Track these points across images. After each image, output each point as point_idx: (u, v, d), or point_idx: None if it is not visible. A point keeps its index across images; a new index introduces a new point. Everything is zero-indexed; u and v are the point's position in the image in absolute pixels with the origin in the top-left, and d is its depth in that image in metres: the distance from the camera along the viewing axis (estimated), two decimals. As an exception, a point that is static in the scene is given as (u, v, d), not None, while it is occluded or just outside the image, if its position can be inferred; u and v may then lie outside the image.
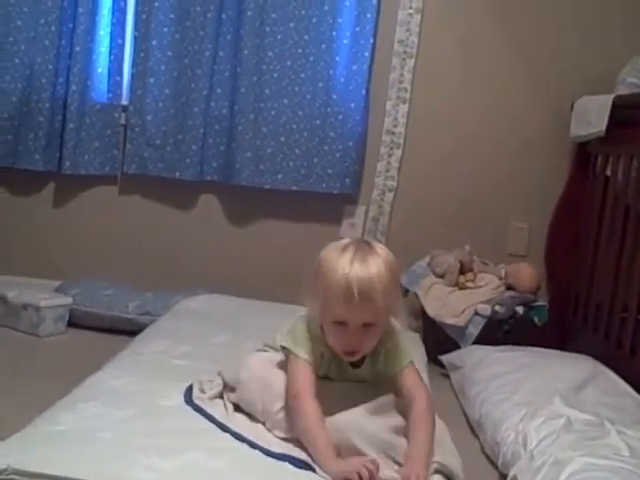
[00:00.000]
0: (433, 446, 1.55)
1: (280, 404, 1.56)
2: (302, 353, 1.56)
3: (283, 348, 1.62)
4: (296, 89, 3.24)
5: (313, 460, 1.45)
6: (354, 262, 1.49)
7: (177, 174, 3.28)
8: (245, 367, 1.67)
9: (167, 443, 1.45)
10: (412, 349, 1.71)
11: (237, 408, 1.66)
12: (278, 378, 1.60)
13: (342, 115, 3.25)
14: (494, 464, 2.09)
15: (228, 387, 1.71)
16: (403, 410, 1.60)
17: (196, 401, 1.64)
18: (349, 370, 1.61)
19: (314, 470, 1.42)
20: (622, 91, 2.98)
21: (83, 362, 2.03)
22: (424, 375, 2.15)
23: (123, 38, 3.26)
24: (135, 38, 3.24)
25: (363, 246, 1.55)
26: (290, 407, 1.53)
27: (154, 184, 3.35)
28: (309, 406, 1.50)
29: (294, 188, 3.27)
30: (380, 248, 1.56)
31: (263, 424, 1.59)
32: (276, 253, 3.33)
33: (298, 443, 1.51)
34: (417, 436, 1.54)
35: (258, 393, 1.60)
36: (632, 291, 2.65)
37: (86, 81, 3.23)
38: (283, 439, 1.53)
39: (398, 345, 1.65)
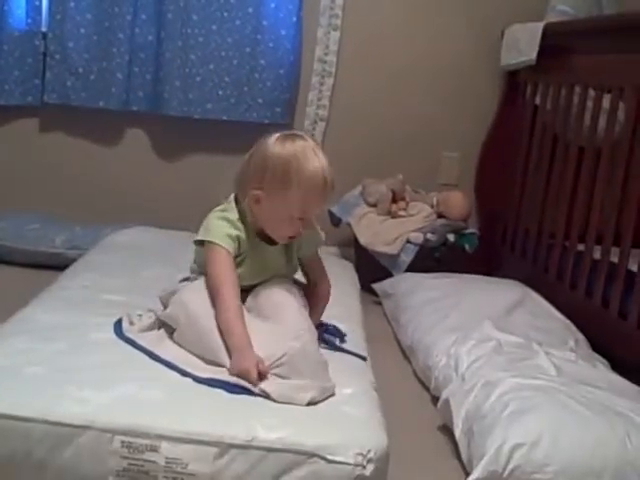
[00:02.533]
0: None
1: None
2: (217, 239, 1.59)
3: (198, 243, 1.65)
4: (225, 14, 3.15)
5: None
6: (317, 156, 1.60)
7: (101, 103, 3.17)
8: (182, 309, 1.63)
9: (99, 375, 1.42)
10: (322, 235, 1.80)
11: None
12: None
13: (273, 43, 3.18)
14: (426, 388, 2.14)
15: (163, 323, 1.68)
16: (306, 290, 1.76)
17: (126, 334, 1.62)
18: (265, 248, 1.68)
19: (246, 393, 1.43)
20: (552, 19, 3.00)
21: (10, 299, 1.97)
22: (357, 302, 2.18)
23: (41, -41, 3.10)
24: (53, -41, 3.08)
25: (300, 137, 1.64)
26: (212, 298, 1.57)
27: (78, 114, 3.24)
28: (230, 298, 1.55)
29: (224, 118, 3.21)
30: (303, 134, 1.67)
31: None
32: (205, 185, 3.27)
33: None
34: (313, 314, 1.70)
35: (197, 344, 1.57)
36: (559, 218, 2.71)
37: (3, 6, 3.07)
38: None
39: (314, 227, 1.75)
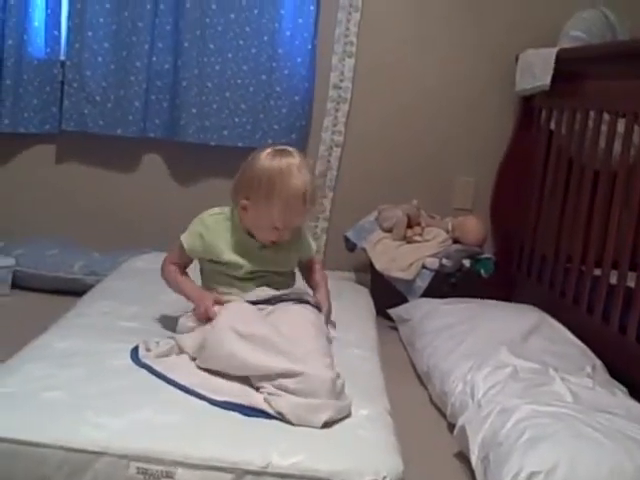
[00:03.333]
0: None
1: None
2: (185, 243, 1.86)
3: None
4: (241, 43, 3.18)
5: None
6: (300, 173, 1.75)
7: (118, 131, 3.20)
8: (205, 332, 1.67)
9: (116, 401, 1.44)
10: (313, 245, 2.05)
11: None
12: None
13: (288, 70, 3.20)
14: (443, 414, 2.13)
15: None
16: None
17: (143, 360, 1.63)
18: (257, 250, 1.85)
19: (262, 416, 1.44)
20: (566, 44, 3.00)
21: (28, 325, 1.99)
22: (373, 328, 2.18)
23: (60, -10, 3.15)
24: (71, -11, 3.13)
25: (289, 153, 1.80)
26: (162, 275, 1.93)
27: (95, 142, 3.27)
28: (172, 271, 1.90)
29: (240, 144, 3.23)
30: (294, 150, 1.83)
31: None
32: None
33: (247, 385, 1.54)
34: (321, 293, 1.97)
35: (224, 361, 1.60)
36: (575, 242, 2.70)
37: (22, 35, 3.11)
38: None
39: (304, 235, 1.99)
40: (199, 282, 1.93)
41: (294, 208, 1.77)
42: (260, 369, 1.52)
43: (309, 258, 2.04)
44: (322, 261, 3.39)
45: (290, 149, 1.83)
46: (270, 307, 1.78)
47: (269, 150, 1.81)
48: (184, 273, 1.93)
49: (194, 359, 1.64)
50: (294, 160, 1.77)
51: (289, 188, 1.74)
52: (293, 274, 1.99)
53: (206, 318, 1.73)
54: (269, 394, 1.48)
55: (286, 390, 1.47)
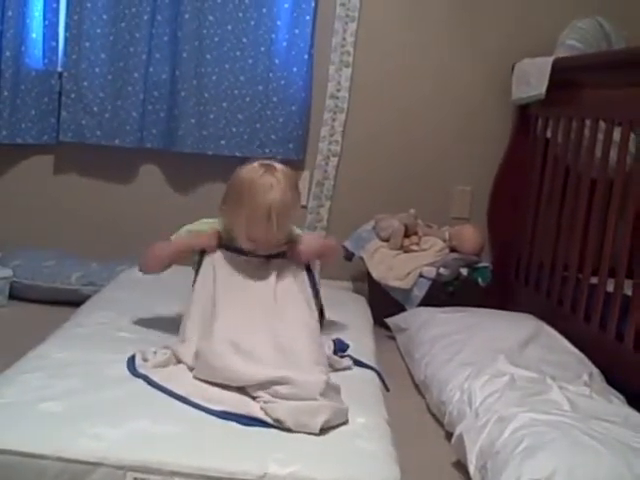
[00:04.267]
0: None
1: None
2: (176, 235, 1.96)
3: None
4: (238, 54, 3.20)
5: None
6: (271, 190, 1.76)
7: (116, 141, 3.21)
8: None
9: (113, 411, 1.43)
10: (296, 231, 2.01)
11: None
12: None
13: (285, 80, 3.22)
14: (440, 423, 2.13)
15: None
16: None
17: (140, 370, 1.63)
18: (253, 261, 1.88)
19: (260, 424, 1.44)
20: (562, 53, 3.02)
21: (25, 335, 1.99)
22: (370, 337, 2.18)
23: (57, 1, 3.15)
24: (68, 0, 3.14)
25: (271, 170, 1.81)
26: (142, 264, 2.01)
27: (93, 152, 3.28)
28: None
29: (237, 154, 3.24)
30: (282, 169, 1.83)
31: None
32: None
33: (244, 394, 1.54)
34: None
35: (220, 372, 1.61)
36: (572, 250, 2.71)
37: (20, 47, 3.12)
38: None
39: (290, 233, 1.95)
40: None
41: (258, 223, 1.78)
42: (253, 379, 1.53)
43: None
44: (319, 270, 3.39)
45: (276, 165, 1.84)
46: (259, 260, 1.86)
47: (256, 163, 1.84)
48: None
49: (192, 369, 1.64)
50: (270, 178, 1.79)
51: (253, 203, 1.77)
52: None
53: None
54: (265, 402, 1.48)
55: (281, 396, 1.48)
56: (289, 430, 1.43)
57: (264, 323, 1.71)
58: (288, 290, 1.84)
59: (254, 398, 1.52)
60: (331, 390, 1.52)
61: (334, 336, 1.93)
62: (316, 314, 1.88)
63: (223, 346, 1.61)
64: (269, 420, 1.45)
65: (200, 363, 1.62)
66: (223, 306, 1.76)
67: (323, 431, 1.43)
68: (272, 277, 1.85)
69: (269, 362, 1.56)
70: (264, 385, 1.51)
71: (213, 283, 1.83)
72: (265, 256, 1.88)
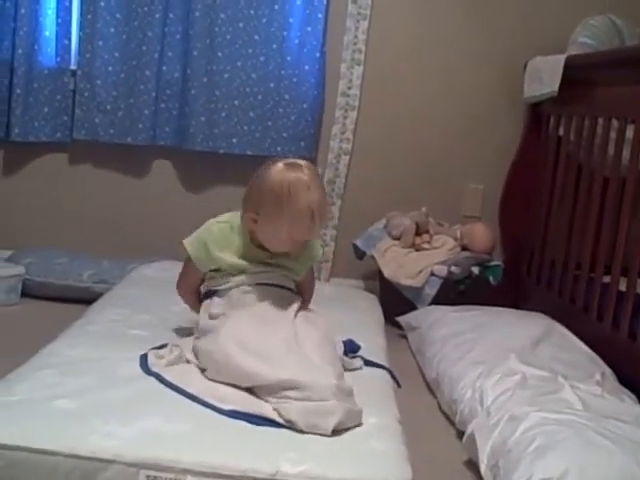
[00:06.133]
0: None
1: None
2: (186, 241, 1.83)
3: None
4: (250, 51, 3.20)
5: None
6: (309, 190, 1.70)
7: (129, 139, 3.23)
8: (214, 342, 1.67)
9: (125, 409, 1.44)
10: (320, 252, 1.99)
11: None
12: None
13: (296, 78, 3.22)
14: (451, 422, 2.13)
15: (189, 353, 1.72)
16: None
17: (152, 368, 1.63)
18: (265, 258, 1.81)
19: (271, 424, 1.44)
20: (574, 51, 3.00)
21: (37, 333, 2.00)
22: (382, 336, 2.18)
23: (71, 0, 3.17)
24: (82, -1, 3.16)
25: (301, 168, 1.74)
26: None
27: (106, 150, 3.30)
28: (192, 301, 1.89)
29: (249, 152, 3.24)
30: (308, 165, 1.77)
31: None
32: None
33: (254, 394, 1.54)
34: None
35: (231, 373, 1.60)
36: (585, 249, 2.69)
37: (33, 45, 3.14)
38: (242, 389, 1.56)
39: (312, 246, 1.90)
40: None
41: (302, 225, 1.72)
42: (263, 379, 1.52)
43: (305, 269, 1.95)
44: (330, 269, 3.40)
45: (302, 162, 1.77)
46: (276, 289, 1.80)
47: (280, 164, 1.75)
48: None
49: (203, 370, 1.65)
50: (303, 176, 1.72)
51: (296, 206, 1.70)
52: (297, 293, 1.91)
53: None
54: (277, 403, 1.48)
55: (292, 399, 1.48)
56: (301, 431, 1.43)
57: (275, 327, 1.69)
58: (304, 315, 1.81)
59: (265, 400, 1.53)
60: (343, 392, 1.51)
61: (345, 334, 1.93)
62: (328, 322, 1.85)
63: (231, 346, 1.60)
64: (280, 420, 1.45)
65: (209, 363, 1.63)
66: (234, 313, 1.74)
67: (335, 432, 1.43)
68: (288, 304, 1.81)
69: (279, 363, 1.55)
70: (274, 389, 1.50)
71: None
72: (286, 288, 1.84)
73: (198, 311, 1.83)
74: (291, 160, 1.78)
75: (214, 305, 1.77)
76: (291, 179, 1.71)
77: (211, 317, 1.75)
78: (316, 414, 1.43)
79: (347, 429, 1.46)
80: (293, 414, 1.44)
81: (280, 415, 1.46)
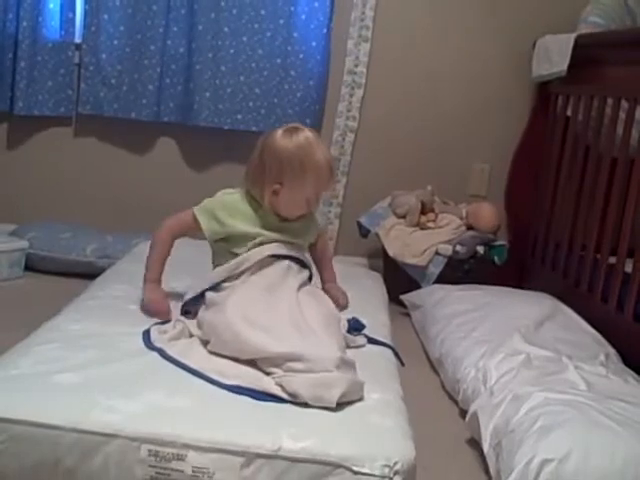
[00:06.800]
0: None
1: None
2: (204, 224, 1.85)
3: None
4: (256, 26, 3.17)
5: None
6: (320, 145, 1.82)
7: (133, 114, 3.21)
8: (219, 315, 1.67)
9: (128, 384, 1.43)
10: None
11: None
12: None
13: (303, 54, 3.19)
14: (454, 401, 2.13)
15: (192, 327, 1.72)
16: (314, 259, 2.04)
17: (155, 343, 1.63)
18: (277, 223, 1.86)
19: (274, 400, 1.44)
20: (584, 30, 2.97)
21: (41, 307, 2.00)
22: (385, 314, 2.18)
23: (75, -28, 3.15)
24: (87, -28, 3.13)
25: (303, 130, 1.83)
26: (152, 235, 1.93)
27: (111, 125, 3.28)
28: (163, 243, 1.90)
29: (254, 129, 3.22)
30: (304, 127, 1.85)
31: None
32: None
33: (258, 369, 1.54)
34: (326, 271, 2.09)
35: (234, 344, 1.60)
36: (590, 230, 2.68)
37: (37, 17, 3.11)
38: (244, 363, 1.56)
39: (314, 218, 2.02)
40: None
41: (324, 178, 1.83)
42: (266, 351, 1.52)
43: (320, 233, 2.09)
44: (334, 247, 3.39)
45: (298, 125, 1.86)
46: (286, 261, 1.83)
47: (280, 131, 1.82)
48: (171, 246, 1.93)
49: (206, 342, 1.64)
50: (309, 134, 1.82)
51: (317, 161, 1.79)
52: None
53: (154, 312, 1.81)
54: (280, 377, 1.48)
55: (295, 371, 1.47)
56: (305, 405, 1.42)
57: (280, 300, 1.71)
58: (310, 291, 1.85)
59: (268, 374, 1.52)
60: (347, 365, 1.51)
61: (349, 312, 1.93)
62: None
63: (236, 319, 1.60)
64: (284, 395, 1.44)
65: (213, 335, 1.62)
66: (240, 286, 1.76)
67: (339, 406, 1.43)
68: (295, 277, 1.84)
69: (283, 336, 1.55)
70: (277, 361, 1.50)
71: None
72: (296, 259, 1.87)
73: (160, 251, 1.89)
74: (289, 126, 1.85)
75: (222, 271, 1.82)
76: (302, 141, 1.80)
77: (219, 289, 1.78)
78: (320, 386, 1.43)
79: (350, 404, 1.45)
80: (297, 387, 1.44)
81: (283, 389, 1.45)
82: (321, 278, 2.08)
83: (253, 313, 1.62)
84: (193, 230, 1.89)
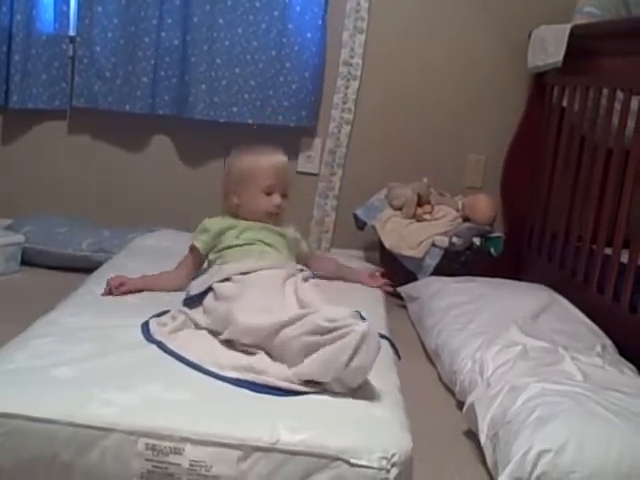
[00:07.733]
0: None
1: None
2: (197, 242, 2.06)
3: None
4: (251, 18, 3.15)
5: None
6: (270, 152, 2.11)
7: (127, 107, 3.19)
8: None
9: (125, 377, 1.43)
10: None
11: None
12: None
13: (298, 46, 3.17)
14: (451, 392, 2.13)
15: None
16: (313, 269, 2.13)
17: (154, 335, 1.63)
18: (270, 227, 2.08)
19: (273, 392, 1.44)
20: (579, 20, 2.96)
21: (37, 301, 2.00)
22: (382, 306, 2.18)
23: (69, -36, 3.13)
24: (80, -36, 3.11)
25: (261, 148, 2.14)
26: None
27: (106, 118, 3.27)
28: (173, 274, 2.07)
29: (249, 121, 3.21)
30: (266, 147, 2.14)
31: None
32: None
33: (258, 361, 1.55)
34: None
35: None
36: (586, 221, 2.68)
37: (31, 10, 3.09)
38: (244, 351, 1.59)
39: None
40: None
41: (268, 174, 2.06)
42: (279, 323, 1.55)
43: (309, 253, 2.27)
44: (330, 240, 3.39)
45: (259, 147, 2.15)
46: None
47: (239, 153, 2.15)
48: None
49: (213, 332, 1.67)
50: (263, 150, 2.10)
51: (261, 168, 2.06)
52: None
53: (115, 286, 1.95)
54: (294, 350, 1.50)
55: (317, 344, 1.46)
56: (314, 392, 1.44)
57: (284, 296, 1.77)
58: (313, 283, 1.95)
59: (271, 357, 1.54)
60: (355, 318, 1.51)
61: (346, 304, 1.92)
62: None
63: (250, 306, 1.65)
64: (283, 385, 1.44)
65: (229, 324, 1.64)
66: (252, 280, 1.82)
67: (339, 394, 1.44)
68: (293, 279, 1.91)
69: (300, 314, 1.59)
70: (287, 324, 1.53)
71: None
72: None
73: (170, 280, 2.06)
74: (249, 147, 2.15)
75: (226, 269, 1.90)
76: (251, 153, 2.10)
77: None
78: (340, 353, 1.41)
79: (348, 396, 1.45)
80: (309, 369, 1.44)
81: (297, 374, 1.46)
82: (328, 270, 2.29)
83: (268, 302, 1.68)
84: (197, 259, 2.09)
